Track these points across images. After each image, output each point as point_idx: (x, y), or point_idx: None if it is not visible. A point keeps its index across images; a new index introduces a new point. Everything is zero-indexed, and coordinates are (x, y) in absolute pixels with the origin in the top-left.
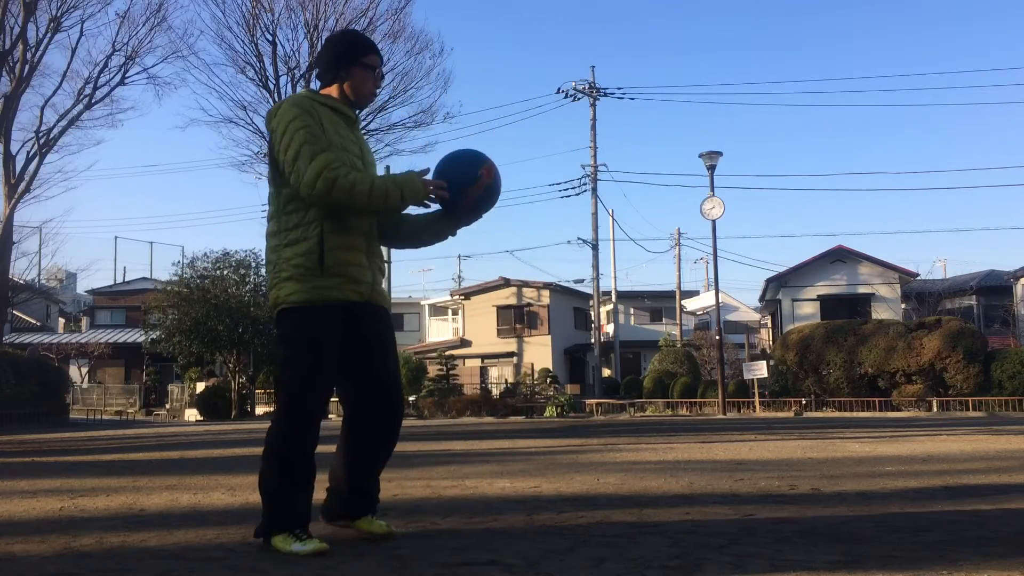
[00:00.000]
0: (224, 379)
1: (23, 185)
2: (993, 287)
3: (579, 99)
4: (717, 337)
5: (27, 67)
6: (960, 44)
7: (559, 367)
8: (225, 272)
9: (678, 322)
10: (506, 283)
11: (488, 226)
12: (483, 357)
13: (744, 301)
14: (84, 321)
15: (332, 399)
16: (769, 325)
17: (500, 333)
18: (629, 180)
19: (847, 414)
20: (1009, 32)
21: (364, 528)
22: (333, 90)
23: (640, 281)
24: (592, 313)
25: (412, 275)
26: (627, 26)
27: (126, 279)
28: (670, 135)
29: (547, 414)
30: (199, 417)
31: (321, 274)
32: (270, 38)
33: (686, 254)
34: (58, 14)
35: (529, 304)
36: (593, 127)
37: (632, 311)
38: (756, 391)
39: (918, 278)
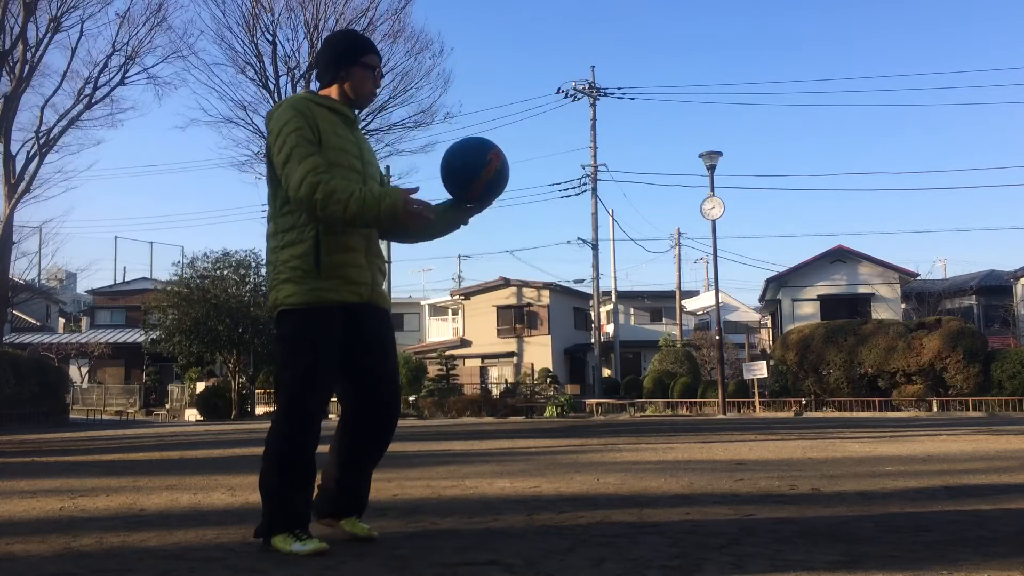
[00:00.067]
0: (224, 379)
1: (23, 185)
2: (993, 287)
3: (579, 99)
4: (717, 337)
5: (27, 67)
6: (960, 44)
7: (559, 367)
8: (225, 272)
9: (678, 322)
10: (506, 283)
11: (488, 226)
12: (483, 357)
13: (744, 301)
14: (84, 321)
15: (332, 399)
16: (769, 325)
17: (500, 333)
18: (629, 180)
19: (847, 414)
20: (1009, 32)
21: (347, 529)
22: (333, 90)
23: (640, 281)
24: (592, 313)
25: (412, 275)
26: (627, 26)
27: (126, 279)
28: (670, 135)
29: (547, 414)
30: (199, 417)
31: (318, 276)
32: (270, 38)
33: (686, 254)
34: (58, 14)
35: (529, 304)
36: (593, 127)
37: (632, 311)
38: (756, 391)
39: (918, 278)
